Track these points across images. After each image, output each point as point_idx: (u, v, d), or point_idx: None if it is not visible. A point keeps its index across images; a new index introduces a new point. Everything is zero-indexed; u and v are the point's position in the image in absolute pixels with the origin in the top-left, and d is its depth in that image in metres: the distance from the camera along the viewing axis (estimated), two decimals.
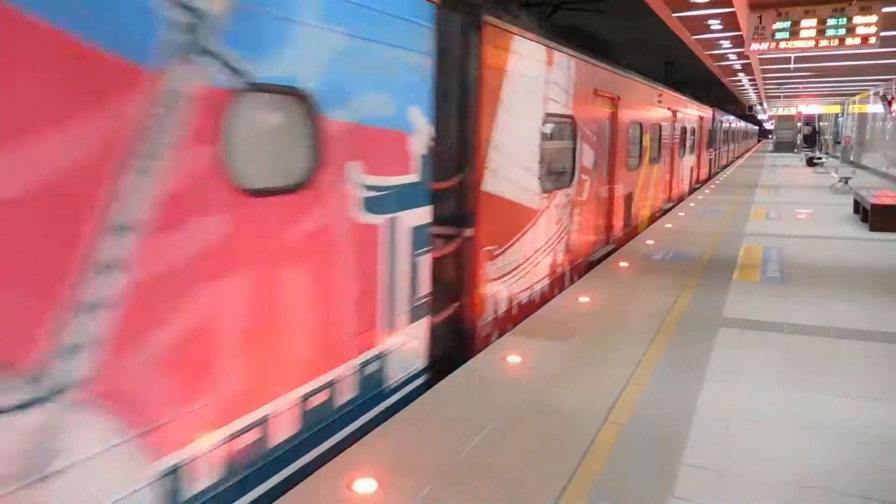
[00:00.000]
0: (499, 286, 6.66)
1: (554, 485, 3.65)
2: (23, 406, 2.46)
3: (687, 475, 3.76)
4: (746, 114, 57.61)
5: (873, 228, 12.80)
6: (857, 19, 12.90)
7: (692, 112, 20.89)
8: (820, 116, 55.82)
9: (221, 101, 3.20)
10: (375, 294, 4.54)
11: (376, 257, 4.53)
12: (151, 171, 2.85)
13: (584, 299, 7.55)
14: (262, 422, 3.58)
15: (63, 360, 2.57)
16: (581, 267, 9.46)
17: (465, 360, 5.61)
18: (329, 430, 4.13)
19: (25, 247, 2.45)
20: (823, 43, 13.21)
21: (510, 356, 5.62)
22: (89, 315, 2.65)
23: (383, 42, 4.50)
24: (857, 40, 12.96)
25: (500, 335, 6.48)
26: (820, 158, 34.55)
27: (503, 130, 6.47)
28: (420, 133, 4.97)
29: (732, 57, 22.80)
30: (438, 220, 5.34)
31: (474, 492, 3.56)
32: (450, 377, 5.19)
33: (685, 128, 19.23)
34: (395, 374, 4.82)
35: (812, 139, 57.95)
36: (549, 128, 7.84)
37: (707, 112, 24.96)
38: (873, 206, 12.97)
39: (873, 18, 12.71)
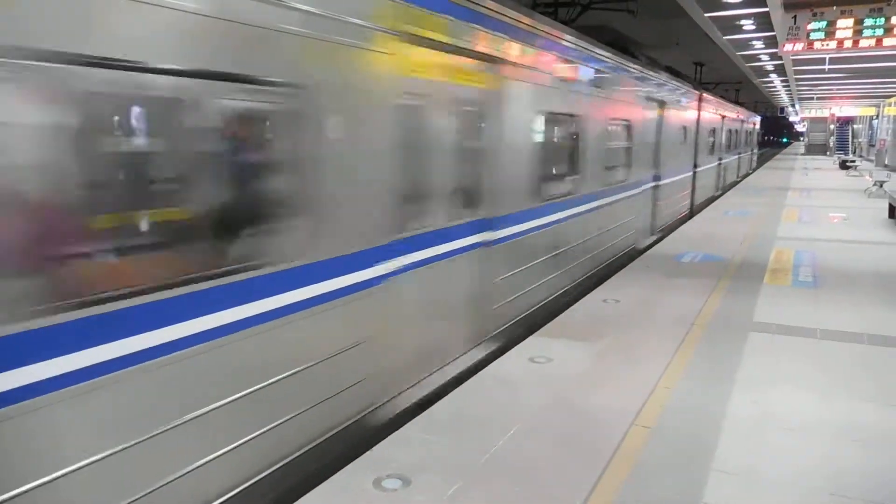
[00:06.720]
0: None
1: (581, 487, 3.62)
2: None
3: (717, 481, 3.71)
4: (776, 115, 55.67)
5: None
6: (895, 19, 12.62)
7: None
8: (853, 119, 54.37)
9: None
10: None
11: None
12: None
13: (612, 301, 7.49)
14: None
15: None
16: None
17: None
18: None
19: None
20: (860, 43, 12.97)
21: (538, 357, 5.60)
22: None
23: None
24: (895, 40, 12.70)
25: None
26: (854, 161, 33.83)
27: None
28: None
29: (765, 58, 22.48)
30: None
31: (500, 492, 3.56)
32: (476, 377, 5.19)
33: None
34: None
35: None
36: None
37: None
38: None
39: None
